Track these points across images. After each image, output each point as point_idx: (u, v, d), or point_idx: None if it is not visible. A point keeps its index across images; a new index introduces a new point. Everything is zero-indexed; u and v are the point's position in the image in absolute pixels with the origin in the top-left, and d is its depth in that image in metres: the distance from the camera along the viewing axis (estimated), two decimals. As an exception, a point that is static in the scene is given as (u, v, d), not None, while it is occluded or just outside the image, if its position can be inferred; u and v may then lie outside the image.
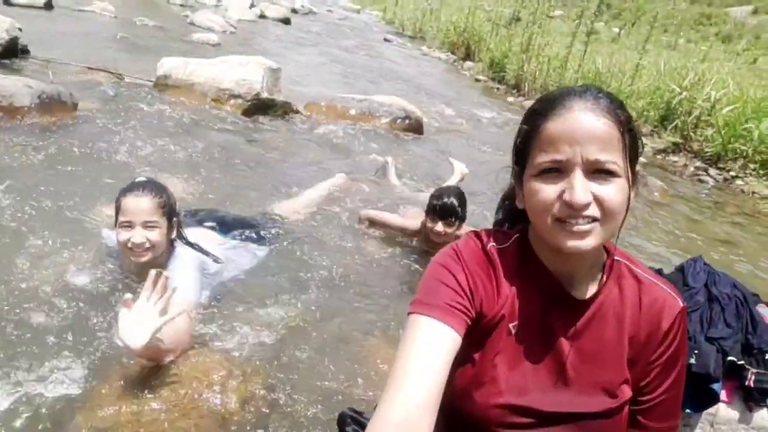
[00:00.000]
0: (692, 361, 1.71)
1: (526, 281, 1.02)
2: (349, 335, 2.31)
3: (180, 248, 2.17)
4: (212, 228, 2.55)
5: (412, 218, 3.17)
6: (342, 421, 1.34)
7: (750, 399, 1.77)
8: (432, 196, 2.94)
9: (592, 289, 1.02)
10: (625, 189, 0.91)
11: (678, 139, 7.22)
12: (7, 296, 2.06)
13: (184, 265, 2.09)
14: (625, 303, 1.03)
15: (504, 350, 1.00)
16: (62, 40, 6.54)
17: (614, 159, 0.89)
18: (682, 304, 1.04)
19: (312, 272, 2.69)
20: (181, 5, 12.16)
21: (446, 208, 2.83)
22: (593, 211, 0.89)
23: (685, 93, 7.09)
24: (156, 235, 2.03)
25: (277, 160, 4.23)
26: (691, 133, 7.10)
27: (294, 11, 16.23)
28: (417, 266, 2.96)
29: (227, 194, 3.40)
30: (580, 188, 0.88)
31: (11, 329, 1.92)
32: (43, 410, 1.64)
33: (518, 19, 12.25)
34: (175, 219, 2.15)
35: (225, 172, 3.76)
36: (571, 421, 0.99)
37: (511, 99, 9.39)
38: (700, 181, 6.36)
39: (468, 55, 12.62)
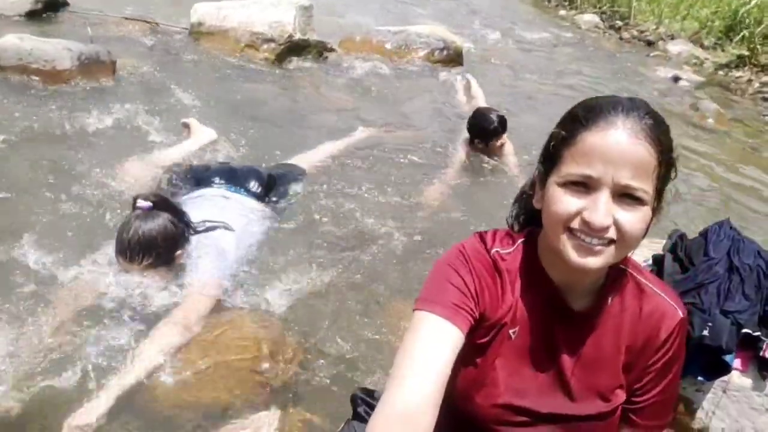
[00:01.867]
0: (705, 333, 1.71)
1: (529, 288, 1.04)
2: (373, 298, 2.40)
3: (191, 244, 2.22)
4: (221, 184, 2.61)
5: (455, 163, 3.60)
6: (354, 401, 1.45)
7: (765, 369, 1.76)
8: (479, 123, 3.55)
9: (593, 300, 1.04)
10: (648, 217, 0.90)
11: (744, 52, 6.66)
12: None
13: (197, 255, 2.18)
14: (624, 312, 1.05)
15: (504, 354, 1.05)
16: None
17: (645, 187, 0.87)
18: (681, 315, 1.06)
19: (333, 229, 2.76)
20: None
21: (503, 123, 3.52)
22: (611, 233, 0.88)
23: (755, 0, 6.45)
24: (154, 280, 2.08)
25: (308, 108, 4.23)
26: (758, 46, 6.52)
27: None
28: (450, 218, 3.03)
29: (255, 145, 3.47)
30: (603, 211, 0.87)
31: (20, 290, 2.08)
32: (66, 379, 1.80)
33: None
34: (179, 252, 2.14)
35: (255, 124, 3.80)
36: (565, 422, 1.06)
37: (563, 13, 8.83)
38: (765, 99, 5.91)
39: (517, -36, 11.75)
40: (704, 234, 1.98)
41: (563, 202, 0.90)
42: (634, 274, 1.07)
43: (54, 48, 3.92)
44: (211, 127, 3.53)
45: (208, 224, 2.30)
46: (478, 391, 1.05)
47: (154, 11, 5.54)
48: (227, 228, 2.34)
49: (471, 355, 1.04)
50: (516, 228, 1.16)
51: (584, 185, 0.89)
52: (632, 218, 0.88)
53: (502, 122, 3.50)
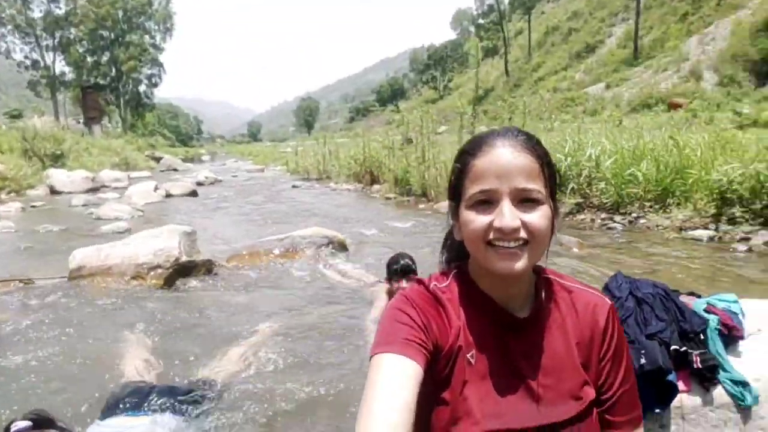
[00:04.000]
0: (642, 361, 1.78)
1: (473, 311, 1.07)
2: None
3: None
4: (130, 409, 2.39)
5: (379, 297, 3.84)
6: None
7: (703, 380, 1.83)
8: (391, 264, 3.69)
9: (532, 308, 1.09)
10: (549, 215, 1.01)
11: (579, 199, 7.81)
12: None
13: None
14: (562, 313, 1.11)
15: (470, 381, 1.03)
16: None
17: (537, 187, 0.99)
18: (610, 302, 1.14)
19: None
20: (84, 205, 12.18)
21: (405, 267, 3.60)
22: (522, 234, 0.97)
23: (569, 158, 7.80)
24: None
25: (207, 319, 4.11)
26: (587, 191, 7.72)
27: (199, 184, 16.69)
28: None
29: (161, 364, 3.24)
30: (509, 214, 0.97)
31: None
32: None
33: (410, 141, 13.30)
34: None
35: (154, 347, 3.57)
36: (549, 431, 1.03)
37: (422, 206, 9.88)
38: (609, 228, 6.83)
39: (373, 180, 13.33)
40: (606, 287, 2.15)
41: (475, 220, 1.01)
42: (557, 278, 1.16)
43: None
44: (105, 355, 3.31)
45: None
46: (455, 425, 1.02)
47: (26, 270, 5.39)
48: None
49: (438, 393, 1.03)
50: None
51: (488, 201, 1.01)
52: (535, 217, 0.99)
53: (405, 268, 3.62)
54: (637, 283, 2.08)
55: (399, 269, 3.62)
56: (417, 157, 10.85)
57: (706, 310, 1.97)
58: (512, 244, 0.97)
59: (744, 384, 1.80)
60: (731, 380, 1.81)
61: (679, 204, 6.59)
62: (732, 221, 5.67)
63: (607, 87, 38.62)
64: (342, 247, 5.90)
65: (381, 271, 4.73)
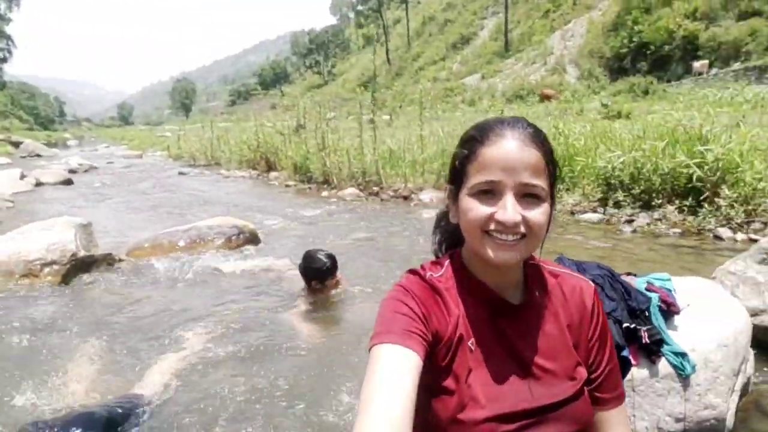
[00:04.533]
0: (599, 339, 1.94)
1: (470, 298, 1.09)
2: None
3: None
4: None
5: (301, 297, 3.73)
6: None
7: (651, 354, 2.03)
8: (318, 265, 3.60)
9: (523, 294, 1.13)
10: (548, 211, 1.03)
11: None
12: None
13: None
14: (551, 297, 1.15)
15: (473, 368, 1.05)
16: None
17: (541, 184, 1.00)
18: (593, 285, 1.20)
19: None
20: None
21: (333, 259, 3.62)
22: (522, 228, 0.99)
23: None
24: None
25: (117, 320, 3.75)
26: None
27: (73, 171, 15.23)
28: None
29: (69, 386, 2.86)
30: (511, 209, 0.98)
31: None
32: None
33: (303, 126, 13.10)
34: None
35: (58, 358, 3.17)
36: (549, 412, 1.07)
37: (325, 194, 9.79)
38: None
39: (269, 167, 12.96)
40: (553, 270, 2.30)
41: (476, 209, 1.02)
42: (544, 264, 1.22)
43: None
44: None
45: None
46: (461, 412, 1.04)
47: None
48: None
49: (440, 383, 1.04)
50: (440, 254, 1.26)
51: (491, 192, 1.02)
52: (536, 213, 1.02)
53: (333, 261, 3.60)
54: (584, 265, 2.23)
55: (330, 265, 3.58)
56: (317, 144, 10.71)
57: (647, 289, 2.18)
58: (510, 238, 1.00)
59: (683, 355, 2.02)
60: (673, 352, 2.03)
61: (568, 189, 7.14)
62: (617, 204, 6.27)
63: (483, 78, 40.65)
64: (253, 236, 5.70)
65: (296, 260, 4.63)
